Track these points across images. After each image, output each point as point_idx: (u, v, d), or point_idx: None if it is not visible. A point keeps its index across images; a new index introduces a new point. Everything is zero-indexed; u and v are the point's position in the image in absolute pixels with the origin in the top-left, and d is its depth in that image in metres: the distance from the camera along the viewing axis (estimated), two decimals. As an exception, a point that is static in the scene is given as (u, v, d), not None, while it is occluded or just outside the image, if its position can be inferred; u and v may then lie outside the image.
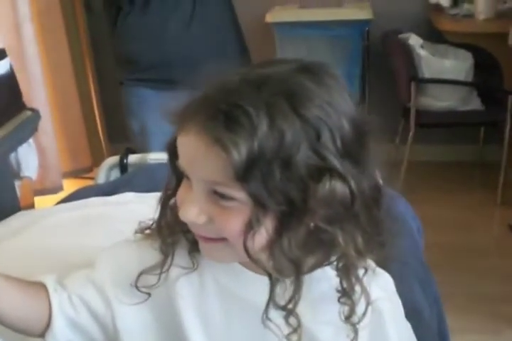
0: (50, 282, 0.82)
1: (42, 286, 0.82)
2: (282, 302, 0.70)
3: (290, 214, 0.66)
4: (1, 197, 1.93)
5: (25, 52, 2.44)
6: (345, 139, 0.67)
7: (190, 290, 0.78)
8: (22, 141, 1.97)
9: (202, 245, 0.74)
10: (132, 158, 1.80)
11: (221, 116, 0.64)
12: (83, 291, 0.81)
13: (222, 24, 2.04)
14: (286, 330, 0.72)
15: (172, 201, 0.77)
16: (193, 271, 0.78)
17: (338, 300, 0.74)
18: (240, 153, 0.62)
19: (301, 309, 0.72)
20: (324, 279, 0.76)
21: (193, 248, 0.77)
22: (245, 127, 0.63)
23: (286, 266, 0.69)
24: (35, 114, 2.01)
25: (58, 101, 2.74)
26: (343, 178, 0.66)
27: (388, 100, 3.15)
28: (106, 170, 2.03)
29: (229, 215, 0.67)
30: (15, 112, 1.94)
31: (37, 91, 2.51)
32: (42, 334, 0.81)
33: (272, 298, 0.71)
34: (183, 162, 0.70)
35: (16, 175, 2.08)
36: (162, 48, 1.97)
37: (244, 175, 0.63)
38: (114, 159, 1.89)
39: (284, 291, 0.71)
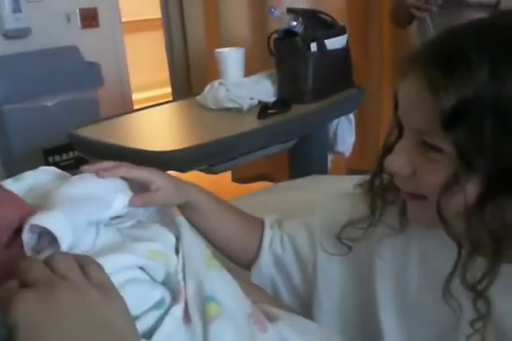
0: (268, 220, 0.91)
1: (260, 222, 0.90)
2: (472, 281, 0.62)
3: (500, 179, 0.57)
4: (311, 163, 2.04)
5: (369, 32, 2.48)
6: None
7: (392, 253, 0.76)
8: (341, 114, 2.04)
9: (407, 204, 0.70)
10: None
11: (440, 59, 0.60)
12: (295, 232, 0.87)
13: None
14: (471, 315, 0.63)
15: None
16: (400, 234, 0.75)
17: None
18: (448, 98, 0.57)
19: (499, 296, 0.63)
20: None
21: (405, 210, 0.73)
22: (462, 72, 0.57)
23: (485, 241, 0.60)
24: (361, 92, 2.06)
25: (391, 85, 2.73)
26: None
27: None
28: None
29: (432, 168, 0.62)
30: (343, 87, 2.02)
31: (373, 69, 2.53)
32: (248, 266, 0.89)
33: (459, 270, 0.63)
34: (400, 110, 0.66)
35: (331, 148, 2.16)
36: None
37: (452, 123, 0.57)
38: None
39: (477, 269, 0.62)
